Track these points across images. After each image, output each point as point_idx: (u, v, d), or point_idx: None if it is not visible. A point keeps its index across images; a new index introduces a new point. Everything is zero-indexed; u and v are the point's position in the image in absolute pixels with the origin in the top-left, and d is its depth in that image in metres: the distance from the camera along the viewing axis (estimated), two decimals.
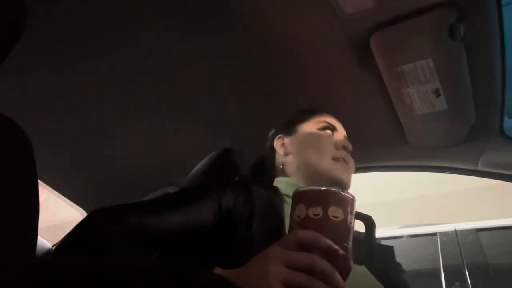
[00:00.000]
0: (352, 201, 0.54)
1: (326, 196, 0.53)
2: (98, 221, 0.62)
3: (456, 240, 2.14)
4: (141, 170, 1.47)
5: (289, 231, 0.56)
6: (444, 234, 2.19)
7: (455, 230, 2.19)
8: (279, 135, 0.93)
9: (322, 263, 0.48)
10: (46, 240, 1.46)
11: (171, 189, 1.55)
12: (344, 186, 0.83)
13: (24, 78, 1.03)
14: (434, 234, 2.20)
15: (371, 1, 0.79)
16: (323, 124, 0.90)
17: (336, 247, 0.49)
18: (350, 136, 0.94)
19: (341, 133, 0.91)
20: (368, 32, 0.88)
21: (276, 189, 0.82)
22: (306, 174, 0.85)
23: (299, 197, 0.55)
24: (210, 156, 1.01)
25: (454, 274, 2.02)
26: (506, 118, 1.08)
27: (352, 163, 0.88)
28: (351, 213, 0.54)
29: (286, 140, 0.92)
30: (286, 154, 0.90)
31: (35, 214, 0.36)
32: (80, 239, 0.58)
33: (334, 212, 0.52)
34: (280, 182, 0.86)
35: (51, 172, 1.39)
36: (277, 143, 0.93)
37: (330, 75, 1.06)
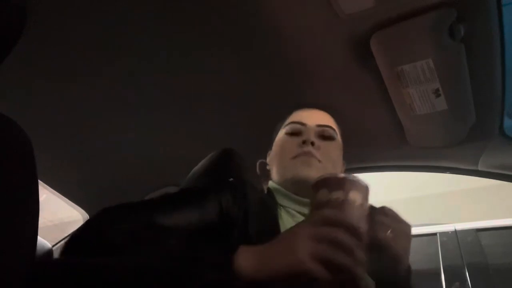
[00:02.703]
0: (367, 189, 0.59)
1: (347, 182, 0.58)
2: (107, 220, 0.61)
3: (456, 240, 2.14)
4: (141, 170, 1.47)
5: (309, 215, 0.60)
6: (444, 234, 2.19)
7: (455, 230, 2.19)
8: (269, 151, 0.95)
9: (347, 238, 0.51)
10: (46, 240, 1.46)
11: (171, 189, 1.55)
12: (309, 182, 0.69)
13: (24, 78, 1.03)
14: (434, 234, 2.20)
15: (371, 1, 0.79)
16: (289, 127, 0.88)
17: (357, 225, 0.53)
18: (350, 136, 0.94)
19: (310, 125, 0.85)
20: (368, 32, 0.88)
21: (270, 191, 0.84)
22: (278, 181, 0.85)
23: (322, 183, 0.60)
24: (210, 156, 1.01)
25: (454, 274, 2.02)
26: (506, 118, 1.08)
27: (318, 154, 0.80)
28: (367, 199, 0.59)
29: (270, 153, 0.95)
30: (269, 167, 0.92)
31: (35, 214, 0.36)
32: (89, 239, 0.57)
33: (354, 196, 0.57)
34: (271, 186, 0.87)
35: (51, 172, 1.39)
36: (268, 159, 0.96)
37: (330, 75, 1.06)
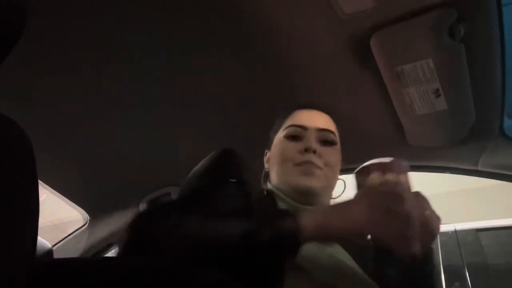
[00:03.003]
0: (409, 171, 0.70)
1: (398, 166, 0.69)
2: (151, 225, 0.59)
3: (456, 240, 2.14)
4: (141, 170, 1.46)
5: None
6: (444, 234, 2.19)
7: (455, 230, 2.19)
8: (266, 150, 0.95)
9: (402, 207, 0.55)
10: (46, 240, 1.46)
11: (171, 189, 1.55)
12: (311, 192, 0.78)
13: (24, 78, 1.03)
14: None
15: (371, 1, 0.79)
16: (289, 130, 0.86)
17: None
18: (350, 136, 0.94)
19: (311, 130, 0.84)
20: (368, 32, 0.88)
21: (270, 192, 0.84)
22: (279, 187, 0.84)
23: (374, 167, 0.70)
24: (210, 156, 1.01)
25: (454, 274, 2.02)
26: (506, 118, 1.08)
27: (319, 162, 0.81)
28: (410, 181, 0.69)
29: (268, 154, 0.93)
30: (268, 168, 0.91)
31: (35, 214, 0.36)
32: (140, 244, 0.56)
33: (404, 178, 0.67)
34: (272, 188, 0.87)
35: (51, 172, 1.39)
36: (265, 159, 0.95)
37: (330, 75, 1.06)
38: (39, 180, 0.41)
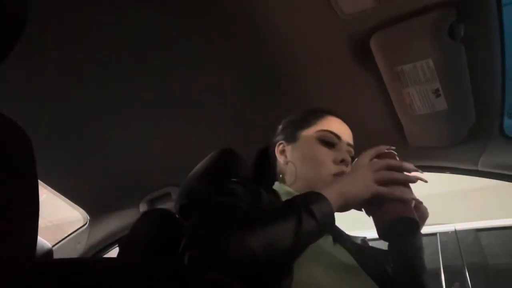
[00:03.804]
0: None
1: (391, 153, 0.77)
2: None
3: (456, 240, 2.14)
4: (141, 170, 1.46)
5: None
6: (444, 234, 2.19)
7: (455, 230, 2.19)
8: (280, 142, 0.91)
9: (400, 166, 0.72)
10: (46, 240, 1.46)
11: (171, 189, 1.55)
12: None
13: (25, 79, 1.03)
14: (434, 234, 2.20)
15: (371, 1, 0.79)
16: (326, 135, 0.85)
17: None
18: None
19: (344, 142, 0.87)
20: (368, 32, 0.88)
21: (275, 193, 0.82)
22: (305, 186, 0.81)
23: (383, 156, 0.76)
24: (210, 156, 1.01)
25: (454, 274, 2.02)
26: (506, 118, 1.07)
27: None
28: None
29: (287, 147, 0.90)
30: (285, 163, 0.88)
31: (35, 214, 0.36)
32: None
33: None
34: (281, 188, 0.85)
35: (51, 172, 1.39)
36: (277, 150, 0.91)
37: (330, 75, 1.06)
38: (39, 180, 0.41)
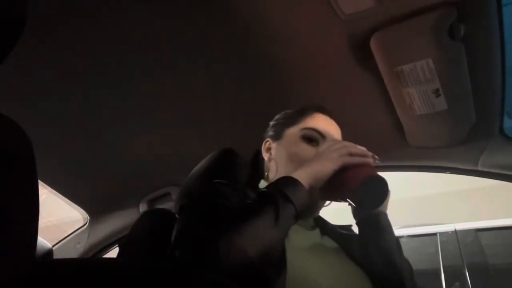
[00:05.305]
0: None
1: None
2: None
3: (456, 240, 2.14)
4: (141, 170, 1.47)
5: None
6: (444, 234, 2.19)
7: (455, 230, 2.19)
8: (267, 139, 0.92)
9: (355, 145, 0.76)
10: (46, 240, 1.46)
11: (171, 189, 1.55)
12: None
13: (25, 79, 1.03)
14: (434, 234, 2.20)
15: (371, 1, 0.79)
16: (309, 133, 0.85)
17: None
18: (350, 136, 0.94)
19: (328, 140, 0.85)
20: (368, 32, 0.88)
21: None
22: None
23: None
24: (210, 156, 1.01)
25: (454, 274, 2.02)
26: (506, 118, 1.07)
27: None
28: None
29: (272, 145, 0.90)
30: (269, 160, 0.88)
31: (35, 214, 0.36)
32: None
33: None
34: (264, 186, 0.86)
35: (51, 172, 1.39)
36: (264, 147, 0.92)
37: (330, 75, 1.06)
38: (39, 180, 0.41)
